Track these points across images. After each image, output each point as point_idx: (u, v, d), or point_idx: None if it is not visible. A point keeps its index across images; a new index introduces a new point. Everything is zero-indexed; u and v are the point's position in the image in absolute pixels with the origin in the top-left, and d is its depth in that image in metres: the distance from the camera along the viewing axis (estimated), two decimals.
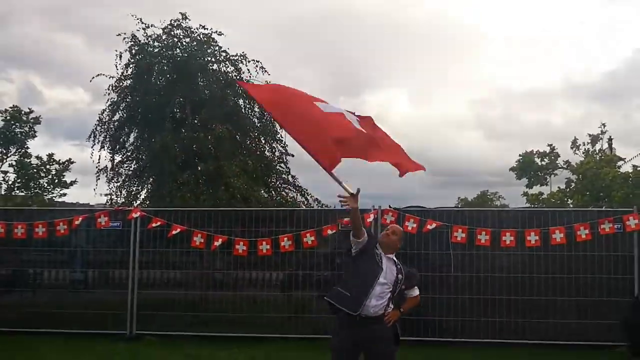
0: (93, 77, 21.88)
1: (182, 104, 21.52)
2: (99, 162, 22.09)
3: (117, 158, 22.41)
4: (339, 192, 6.97)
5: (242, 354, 12.41)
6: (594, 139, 42.62)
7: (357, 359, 7.15)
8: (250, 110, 22.74)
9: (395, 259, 7.30)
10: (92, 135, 21.82)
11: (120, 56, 21.75)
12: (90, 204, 22.26)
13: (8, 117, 31.80)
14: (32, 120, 32.15)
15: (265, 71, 22.37)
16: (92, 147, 21.86)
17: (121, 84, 21.80)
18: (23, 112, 31.89)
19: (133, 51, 21.83)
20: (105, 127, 21.88)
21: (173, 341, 14.06)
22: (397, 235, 7.34)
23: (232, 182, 19.78)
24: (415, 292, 7.52)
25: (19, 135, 31.85)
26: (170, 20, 22.08)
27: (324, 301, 7.35)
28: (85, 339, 14.13)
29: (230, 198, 19.64)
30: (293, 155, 23.28)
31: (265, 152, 23.02)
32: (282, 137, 22.86)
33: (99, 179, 22.30)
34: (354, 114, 7.37)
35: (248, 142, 22.68)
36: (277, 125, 22.40)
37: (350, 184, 6.97)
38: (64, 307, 15.18)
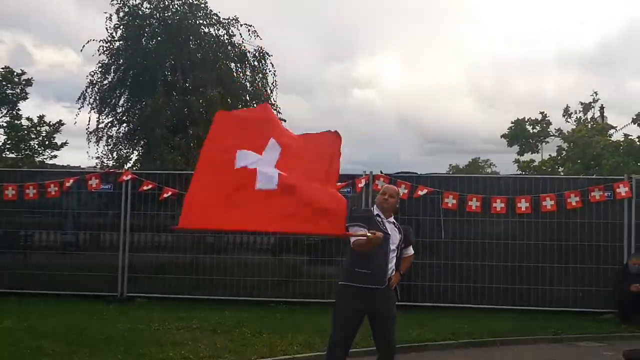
0: (84, 45, 21.73)
1: (173, 67, 21.41)
2: (88, 125, 22.04)
3: (108, 120, 22.34)
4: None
5: (233, 317, 12.46)
6: (586, 107, 42.58)
7: (361, 321, 7.18)
8: (242, 74, 22.66)
9: (392, 220, 7.30)
10: (82, 97, 21.72)
11: (110, 17, 21.62)
12: (82, 167, 22.13)
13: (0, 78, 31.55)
14: (23, 82, 31.89)
15: (258, 36, 22.27)
16: (78, 109, 21.80)
17: (112, 45, 21.66)
18: (15, 74, 31.62)
19: (121, 13, 21.70)
20: (96, 89, 21.79)
21: (164, 303, 14.11)
22: (394, 197, 7.31)
23: None
24: (410, 250, 7.53)
25: (10, 97, 31.60)
26: None
27: (340, 288, 7.22)
28: (76, 301, 14.16)
29: None
30: (285, 121, 23.28)
31: None
32: (274, 102, 22.85)
33: (90, 141, 22.25)
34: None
35: (240, 106, 22.61)
36: (269, 89, 22.38)
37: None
38: (55, 269, 15.20)
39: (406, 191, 14.38)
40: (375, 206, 7.34)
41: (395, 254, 7.14)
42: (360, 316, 7.12)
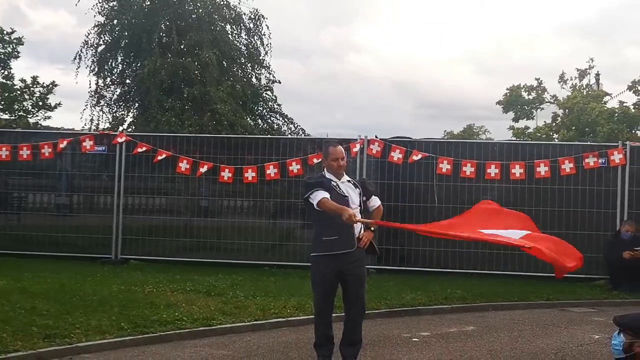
0: (78, 1, 21.60)
1: (168, 29, 21.27)
2: (89, 87, 21.96)
3: (102, 82, 22.25)
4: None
5: (227, 279, 12.50)
6: (582, 74, 42.51)
7: (337, 285, 7.27)
8: (237, 37, 22.56)
9: (347, 178, 7.32)
10: (78, 57, 21.60)
11: None
12: (75, 129, 22.07)
13: None
14: (15, 41, 31.64)
15: None
16: (77, 69, 21.67)
17: (107, 5, 21.52)
18: (5, 32, 31.35)
19: None
20: (92, 50, 21.68)
21: (158, 266, 14.15)
22: (341, 159, 7.26)
23: (219, 109, 19.71)
24: (375, 201, 7.44)
25: (2, 56, 31.36)
26: None
27: (313, 258, 7.32)
28: (70, 262, 14.20)
29: (216, 124, 19.61)
30: (280, 82, 23.21)
31: (252, 79, 22.91)
32: (268, 64, 22.78)
33: (87, 104, 22.17)
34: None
35: (235, 69, 22.54)
36: (263, 51, 22.30)
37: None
38: (49, 231, 15.25)
39: (401, 156, 14.38)
40: (325, 171, 7.36)
41: (359, 210, 7.15)
42: (336, 281, 7.25)
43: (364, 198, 7.28)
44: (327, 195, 6.98)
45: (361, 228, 7.18)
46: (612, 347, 5.84)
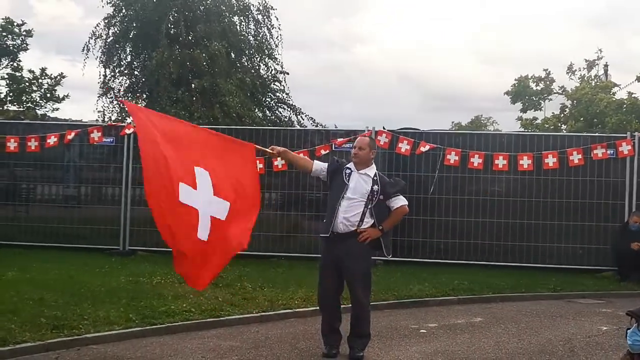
0: None
1: (176, 20, 21.26)
2: (99, 79, 22.00)
3: (111, 73, 22.28)
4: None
5: (235, 271, 12.50)
6: (590, 65, 42.31)
7: (340, 276, 7.35)
8: (245, 28, 22.53)
9: (370, 172, 7.35)
10: (86, 49, 21.63)
11: None
12: (83, 120, 22.14)
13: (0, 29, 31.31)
14: (24, 33, 31.67)
15: None
16: (84, 60, 21.73)
17: None
18: (15, 24, 31.38)
19: None
20: (101, 42, 21.71)
21: (166, 257, 14.14)
22: (364, 149, 7.35)
23: (228, 101, 19.71)
24: (399, 202, 7.37)
25: (11, 48, 31.40)
26: None
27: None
28: (78, 253, 14.24)
29: (224, 116, 19.61)
30: (288, 74, 23.17)
31: (260, 70, 22.90)
32: (277, 54, 22.75)
33: (99, 95, 22.23)
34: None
35: (243, 60, 22.52)
36: (273, 42, 22.27)
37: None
38: (57, 222, 15.30)
39: (408, 147, 14.37)
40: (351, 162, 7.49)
41: (360, 203, 7.20)
42: (331, 270, 7.34)
43: (381, 196, 7.26)
44: (319, 164, 7.54)
45: (361, 219, 7.19)
46: (631, 343, 5.83)
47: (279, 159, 14.48)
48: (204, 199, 6.56)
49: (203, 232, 6.55)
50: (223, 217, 6.68)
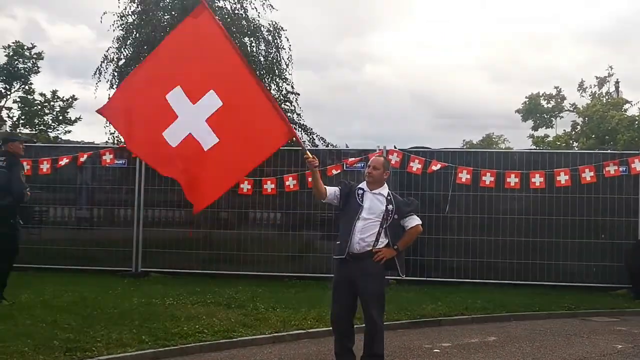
0: (103, 13, 21.75)
1: None
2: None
3: None
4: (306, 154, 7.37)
5: (247, 291, 12.51)
6: (601, 82, 42.38)
7: (354, 296, 7.33)
8: (256, 48, 22.62)
9: (383, 192, 7.37)
10: (98, 72, 21.77)
11: None
12: (95, 142, 22.20)
13: (11, 53, 31.57)
14: (35, 56, 31.95)
15: (273, 8, 22.20)
16: (96, 84, 21.84)
17: (126, 20, 21.66)
18: (26, 47, 31.67)
19: None
20: (112, 64, 21.83)
21: (178, 278, 14.19)
22: (378, 169, 7.37)
23: None
24: (413, 221, 7.39)
25: (22, 71, 31.67)
26: None
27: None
28: (91, 275, 14.27)
29: None
30: (299, 94, 23.22)
31: (271, 90, 22.96)
32: (288, 75, 22.82)
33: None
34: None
35: None
36: (283, 63, 22.35)
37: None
38: (69, 245, 15.34)
39: (420, 166, 14.36)
40: (364, 182, 7.50)
41: (376, 223, 7.21)
42: (344, 290, 7.31)
43: (396, 216, 7.28)
44: (332, 189, 7.45)
45: (376, 239, 7.19)
46: None
47: (290, 178, 14.57)
48: (193, 115, 6.59)
49: (172, 138, 6.64)
50: (205, 147, 6.71)
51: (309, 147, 20.65)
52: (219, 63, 6.84)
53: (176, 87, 6.68)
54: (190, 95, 6.68)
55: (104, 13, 21.65)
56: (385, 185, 7.46)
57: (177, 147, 6.60)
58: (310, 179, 7.32)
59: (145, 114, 6.78)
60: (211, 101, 6.74)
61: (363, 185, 7.37)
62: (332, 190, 7.39)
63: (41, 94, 32.25)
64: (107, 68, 21.84)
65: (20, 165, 11.03)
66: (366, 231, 7.14)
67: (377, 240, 7.17)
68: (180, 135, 6.62)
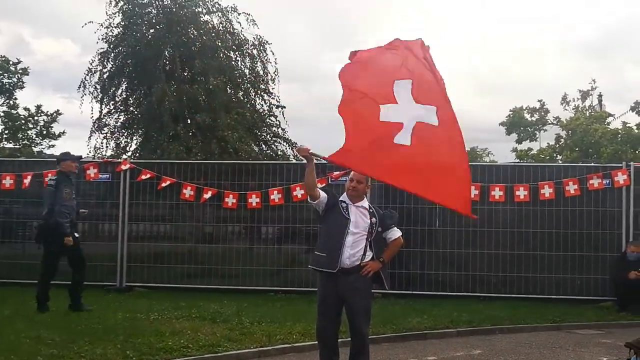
0: (85, 24, 21.64)
1: (171, 56, 21.35)
2: (91, 114, 22.03)
3: (106, 109, 22.31)
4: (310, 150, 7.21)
5: (232, 306, 12.47)
6: (584, 95, 42.71)
7: (340, 310, 7.28)
8: (241, 63, 22.63)
9: (365, 205, 7.34)
10: (82, 86, 21.68)
11: (111, 2, 21.61)
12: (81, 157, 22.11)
13: None
14: (20, 71, 31.85)
15: (255, 24, 22.23)
16: (81, 98, 21.75)
17: (110, 32, 21.63)
18: (11, 62, 31.57)
19: (121, 2, 21.67)
20: (96, 77, 21.76)
21: (163, 293, 14.13)
22: (362, 182, 7.32)
23: (226, 136, 19.79)
24: (395, 233, 7.41)
25: (7, 86, 31.56)
26: None
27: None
28: None
29: (222, 152, 19.65)
30: (285, 107, 23.22)
31: (257, 104, 22.97)
32: (271, 89, 22.83)
33: (93, 132, 22.24)
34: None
35: (240, 95, 22.61)
36: (269, 77, 22.41)
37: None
38: None
39: None
40: (344, 194, 7.43)
41: (363, 237, 7.17)
42: (331, 304, 7.26)
43: (379, 229, 7.27)
44: (324, 194, 7.33)
45: (358, 257, 7.16)
46: None
47: (275, 192, 14.58)
48: (408, 109, 6.73)
49: (403, 137, 6.71)
50: (434, 122, 6.80)
51: (293, 162, 20.70)
52: (444, 96, 7.00)
53: (407, 80, 6.89)
54: (415, 94, 6.86)
55: (89, 22, 21.54)
56: (365, 198, 7.45)
57: (382, 122, 6.80)
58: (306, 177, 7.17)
59: (372, 85, 7.00)
60: (429, 113, 6.87)
61: (344, 198, 7.32)
62: (323, 195, 7.30)
63: (25, 109, 32.14)
64: (90, 81, 21.75)
65: (66, 183, 11.71)
66: (356, 246, 7.12)
67: (364, 254, 7.15)
68: (393, 117, 6.80)
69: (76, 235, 11.79)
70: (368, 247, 7.16)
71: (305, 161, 7.24)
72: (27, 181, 15.17)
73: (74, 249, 11.57)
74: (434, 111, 6.85)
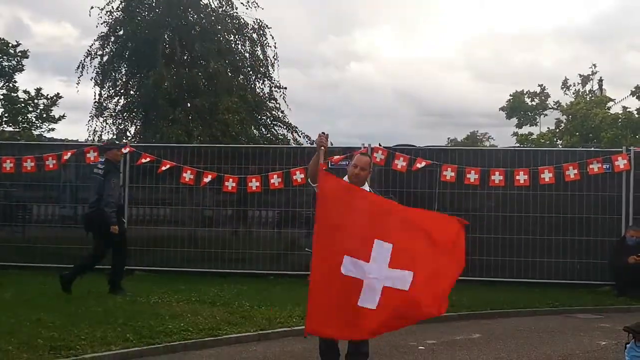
0: (91, 8, 21.58)
1: (171, 39, 21.31)
2: (95, 98, 22.00)
3: (106, 93, 22.28)
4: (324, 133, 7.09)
5: (232, 289, 12.49)
6: (585, 80, 42.59)
7: None
8: (241, 46, 22.59)
9: (366, 190, 7.28)
10: (81, 67, 21.62)
11: None
12: (79, 140, 22.11)
13: None
14: (19, 54, 31.76)
15: (258, 6, 22.17)
16: (78, 78, 21.68)
17: (111, 16, 21.57)
18: (10, 45, 31.46)
19: None
20: (96, 62, 21.74)
21: (162, 277, 14.15)
22: (365, 170, 7.27)
23: (227, 119, 19.76)
24: None
25: (6, 69, 31.47)
26: None
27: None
28: None
29: (221, 135, 19.64)
30: (286, 88, 23.17)
31: (257, 88, 22.94)
32: (271, 73, 22.80)
33: (91, 115, 22.21)
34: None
35: (240, 78, 22.58)
36: (269, 61, 22.35)
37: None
38: (53, 243, 15.27)
39: (404, 164, 14.37)
40: (345, 177, 7.35)
41: None
42: None
43: None
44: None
45: None
46: (629, 358, 5.82)
47: (275, 176, 14.57)
48: (375, 271, 6.51)
49: (369, 303, 6.43)
50: (405, 288, 6.61)
51: (293, 145, 20.70)
52: (363, 212, 6.78)
53: (389, 243, 6.63)
54: (393, 260, 6.57)
55: (91, 7, 21.51)
56: (366, 182, 7.43)
57: (342, 275, 6.52)
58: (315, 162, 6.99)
59: (348, 229, 6.59)
60: (381, 248, 6.62)
61: (345, 180, 7.29)
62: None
63: (25, 92, 32.07)
64: (90, 64, 21.70)
65: (114, 172, 11.98)
66: None
67: None
68: (355, 273, 6.52)
69: (123, 220, 12.23)
70: None
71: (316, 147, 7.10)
72: (27, 164, 15.15)
73: (121, 234, 11.79)
74: (380, 242, 6.60)
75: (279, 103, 23.34)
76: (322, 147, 6.93)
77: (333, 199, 6.63)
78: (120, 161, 12.60)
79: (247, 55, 22.67)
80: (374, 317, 6.44)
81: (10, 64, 31.56)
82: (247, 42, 22.62)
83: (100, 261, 11.96)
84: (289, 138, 23.19)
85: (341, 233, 6.53)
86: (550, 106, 43.87)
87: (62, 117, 33.37)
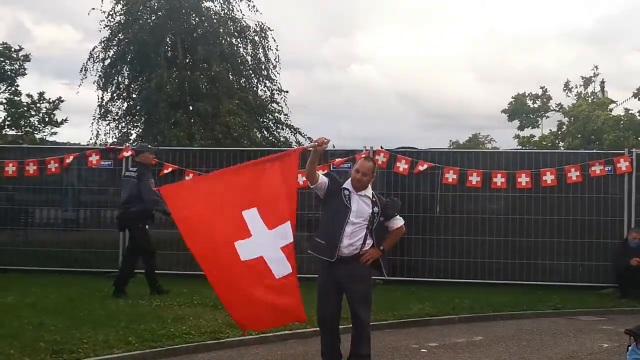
0: (91, 9, 21.67)
1: (173, 43, 21.34)
2: (99, 101, 22.06)
3: (108, 96, 22.33)
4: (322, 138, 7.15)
5: None
6: (587, 82, 42.52)
7: (340, 297, 7.32)
8: (243, 49, 22.63)
9: (368, 193, 7.31)
10: (84, 69, 21.68)
11: None
12: (82, 144, 22.14)
13: None
14: (22, 58, 31.77)
15: (257, 10, 22.22)
16: (81, 80, 21.75)
17: (112, 19, 21.62)
18: (13, 49, 31.48)
19: None
20: (99, 66, 21.78)
21: (165, 279, 14.11)
22: (367, 175, 7.28)
23: (229, 121, 19.78)
24: (397, 222, 7.43)
25: (9, 73, 31.48)
26: None
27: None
28: (77, 277, 14.19)
29: (223, 138, 19.67)
30: (287, 92, 23.20)
31: (259, 91, 22.97)
32: (275, 76, 22.83)
33: (94, 118, 22.26)
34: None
35: (242, 81, 22.62)
36: (271, 64, 22.38)
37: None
38: (56, 246, 15.27)
39: (406, 166, 14.37)
40: (348, 180, 7.37)
41: (363, 227, 7.15)
42: (332, 291, 7.29)
43: (382, 218, 7.26)
44: (324, 178, 7.26)
45: (358, 246, 7.17)
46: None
47: None
48: (268, 240, 6.54)
49: (243, 251, 6.55)
50: (277, 275, 6.79)
51: (295, 148, 20.71)
52: (215, 195, 6.84)
53: (252, 208, 6.70)
54: (266, 221, 6.70)
55: (92, 9, 21.58)
56: (369, 186, 7.43)
57: (245, 262, 6.54)
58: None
59: (216, 218, 6.73)
60: (288, 232, 6.83)
61: (348, 185, 7.28)
62: (323, 180, 7.24)
63: (28, 95, 32.09)
64: (93, 68, 21.75)
65: (148, 174, 12.16)
66: (355, 236, 7.11)
67: (364, 243, 7.15)
68: (252, 253, 6.61)
69: (147, 227, 12.47)
70: (368, 236, 7.15)
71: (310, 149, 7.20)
72: (29, 168, 15.17)
73: (144, 240, 12.28)
74: (290, 228, 6.88)
75: (281, 106, 23.39)
76: (321, 147, 7.05)
77: (183, 204, 6.77)
78: (152, 164, 12.80)
79: (248, 58, 22.71)
80: (233, 263, 6.60)
81: (12, 67, 31.57)
82: (249, 45, 22.66)
83: (151, 249, 12.49)
84: (291, 141, 23.22)
85: (212, 226, 6.58)
86: (552, 108, 43.81)
87: (65, 120, 33.39)
